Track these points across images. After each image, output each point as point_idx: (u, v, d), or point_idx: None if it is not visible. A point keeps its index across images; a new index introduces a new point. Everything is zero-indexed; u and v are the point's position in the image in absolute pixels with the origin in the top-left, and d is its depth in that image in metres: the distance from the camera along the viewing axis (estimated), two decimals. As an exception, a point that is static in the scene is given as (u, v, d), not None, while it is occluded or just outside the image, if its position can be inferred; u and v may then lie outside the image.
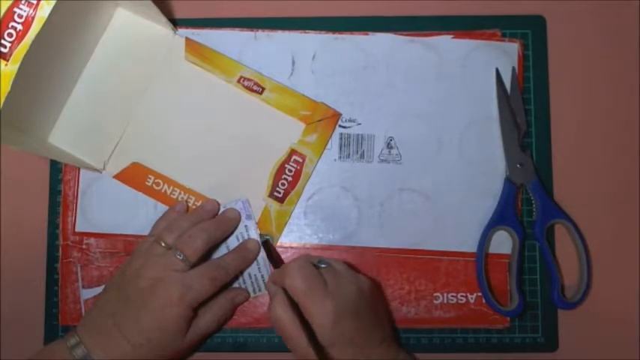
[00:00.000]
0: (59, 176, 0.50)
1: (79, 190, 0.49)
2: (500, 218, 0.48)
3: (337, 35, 0.50)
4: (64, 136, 0.49)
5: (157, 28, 0.50)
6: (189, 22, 0.51)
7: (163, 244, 0.44)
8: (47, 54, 0.43)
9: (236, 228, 0.48)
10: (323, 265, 0.44)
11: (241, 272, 0.48)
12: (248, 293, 0.48)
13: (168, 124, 0.50)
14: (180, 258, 0.43)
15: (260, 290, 0.48)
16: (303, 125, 0.49)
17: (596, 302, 0.48)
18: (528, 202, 0.49)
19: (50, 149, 0.48)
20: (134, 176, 0.49)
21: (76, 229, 0.49)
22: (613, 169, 0.50)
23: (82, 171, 0.49)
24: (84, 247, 0.49)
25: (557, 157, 0.50)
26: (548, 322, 0.48)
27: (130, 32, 0.50)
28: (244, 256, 0.47)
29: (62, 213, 0.49)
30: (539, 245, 0.48)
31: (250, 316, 0.48)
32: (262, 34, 0.50)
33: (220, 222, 0.47)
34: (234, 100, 0.49)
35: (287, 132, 0.49)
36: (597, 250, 0.49)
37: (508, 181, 0.48)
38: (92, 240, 0.49)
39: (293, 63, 0.50)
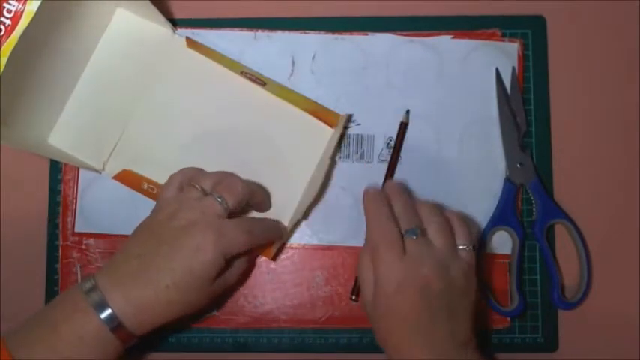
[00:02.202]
0: (59, 176, 0.50)
1: (79, 190, 0.49)
2: (500, 218, 0.48)
3: (337, 35, 0.50)
4: (64, 136, 0.49)
5: (157, 28, 0.50)
6: (189, 22, 0.50)
7: (199, 188, 0.42)
8: (40, 51, 0.43)
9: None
10: (413, 236, 0.40)
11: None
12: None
13: (167, 124, 0.50)
14: (220, 201, 0.41)
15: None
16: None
17: (596, 302, 0.48)
18: (528, 202, 0.49)
19: (50, 150, 0.48)
20: (131, 180, 0.49)
21: (76, 230, 0.49)
22: (613, 169, 0.50)
23: (81, 171, 0.49)
24: (84, 247, 0.49)
25: (557, 157, 0.50)
26: (548, 322, 0.48)
27: (129, 33, 0.50)
28: (277, 228, 0.46)
29: (62, 213, 0.49)
30: (539, 245, 0.48)
31: (250, 316, 0.48)
32: (262, 34, 0.50)
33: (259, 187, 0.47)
34: (238, 91, 0.49)
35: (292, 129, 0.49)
36: (597, 250, 0.49)
37: (508, 181, 0.48)
38: (92, 240, 0.49)
39: (293, 63, 0.50)
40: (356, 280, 0.47)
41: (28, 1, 0.39)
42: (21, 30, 0.39)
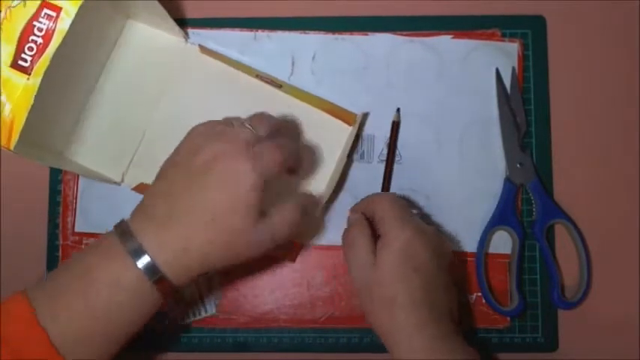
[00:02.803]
0: (59, 176, 0.50)
1: (79, 190, 0.49)
2: (500, 218, 0.48)
3: (337, 35, 0.50)
4: (81, 150, 0.49)
5: (168, 37, 0.49)
6: (189, 22, 0.50)
7: (227, 122, 0.40)
8: (66, 67, 0.43)
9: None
10: (414, 211, 0.45)
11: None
12: (317, 207, 0.46)
13: (185, 132, 0.49)
14: (249, 128, 0.39)
15: (200, 314, 0.48)
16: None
17: (596, 302, 0.48)
18: (528, 202, 0.49)
19: (68, 163, 0.48)
20: None
21: (76, 230, 0.49)
22: (613, 169, 0.50)
23: (81, 171, 0.49)
24: (83, 247, 0.49)
25: (557, 157, 0.50)
26: (548, 322, 0.48)
27: (141, 44, 0.50)
28: (300, 150, 0.46)
29: (62, 213, 0.49)
30: (539, 245, 0.48)
31: (250, 316, 0.48)
32: (262, 34, 0.50)
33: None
34: (255, 94, 0.49)
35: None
36: (597, 250, 0.49)
37: (508, 181, 0.48)
38: (92, 240, 0.49)
39: (293, 63, 0.50)
40: None
41: (59, 19, 0.38)
42: (53, 49, 0.38)
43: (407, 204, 0.44)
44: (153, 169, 0.48)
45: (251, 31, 0.50)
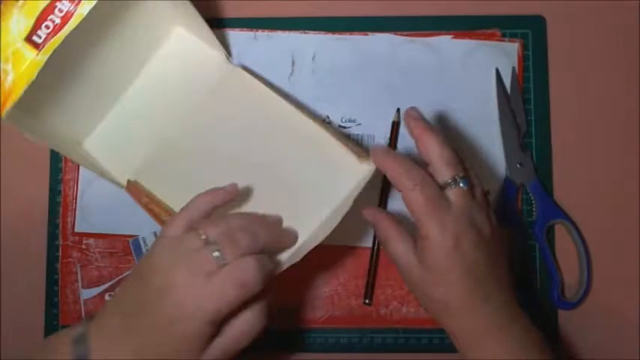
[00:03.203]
0: (59, 176, 0.50)
1: (79, 190, 0.49)
2: (500, 218, 0.48)
3: (337, 35, 0.50)
4: (99, 144, 0.48)
5: (212, 53, 0.49)
6: (189, 22, 0.51)
7: (202, 235, 0.37)
8: (80, 53, 0.43)
9: (292, 246, 0.42)
10: (461, 185, 0.38)
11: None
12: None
13: (201, 147, 0.47)
14: (216, 257, 0.35)
15: None
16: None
17: (596, 302, 0.48)
18: (528, 202, 0.49)
19: (80, 154, 0.47)
20: (134, 192, 0.47)
21: (76, 230, 0.49)
22: (613, 170, 0.50)
23: (81, 171, 0.49)
24: (83, 247, 0.49)
25: (557, 157, 0.50)
26: (549, 322, 0.48)
27: (183, 54, 0.49)
28: (283, 242, 0.42)
29: (62, 213, 0.49)
30: (539, 245, 0.48)
31: (250, 316, 0.48)
32: (262, 34, 0.50)
33: (274, 229, 0.41)
34: (281, 117, 0.46)
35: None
36: (597, 250, 0.49)
37: (508, 181, 0.48)
38: (92, 240, 0.49)
39: (293, 63, 0.50)
40: (367, 284, 0.47)
41: (80, 4, 0.39)
42: (68, 30, 0.39)
43: (437, 189, 0.38)
44: (159, 180, 0.47)
45: (251, 31, 0.50)
